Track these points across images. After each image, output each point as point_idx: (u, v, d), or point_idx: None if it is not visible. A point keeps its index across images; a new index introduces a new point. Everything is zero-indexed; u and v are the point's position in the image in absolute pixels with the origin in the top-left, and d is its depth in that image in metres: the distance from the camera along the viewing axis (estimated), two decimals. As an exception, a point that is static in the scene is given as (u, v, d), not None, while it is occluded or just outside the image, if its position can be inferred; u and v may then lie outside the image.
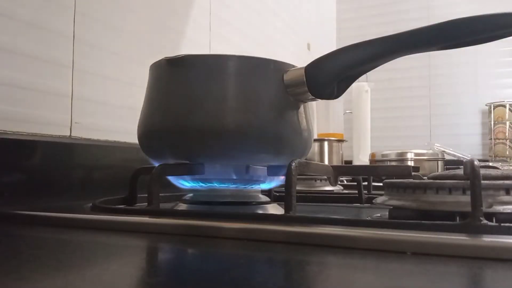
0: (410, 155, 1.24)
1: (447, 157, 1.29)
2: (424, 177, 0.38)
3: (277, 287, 0.20)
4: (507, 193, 0.31)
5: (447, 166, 1.26)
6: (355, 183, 0.60)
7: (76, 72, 0.62)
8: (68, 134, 0.60)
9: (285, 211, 0.35)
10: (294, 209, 0.35)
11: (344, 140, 1.26)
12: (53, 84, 0.58)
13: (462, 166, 0.33)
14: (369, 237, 0.27)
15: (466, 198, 0.31)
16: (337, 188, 0.76)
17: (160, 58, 0.44)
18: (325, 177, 0.56)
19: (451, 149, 1.33)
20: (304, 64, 0.42)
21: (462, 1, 1.73)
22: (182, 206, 0.44)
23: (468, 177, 0.30)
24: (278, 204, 0.46)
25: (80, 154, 0.60)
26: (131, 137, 0.59)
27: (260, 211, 0.43)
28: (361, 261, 0.25)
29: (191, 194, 0.46)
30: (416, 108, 1.77)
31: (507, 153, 1.53)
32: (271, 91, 0.42)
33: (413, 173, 0.47)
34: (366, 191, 0.61)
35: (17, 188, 0.50)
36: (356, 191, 0.58)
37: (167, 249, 0.30)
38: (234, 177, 0.45)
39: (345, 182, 0.88)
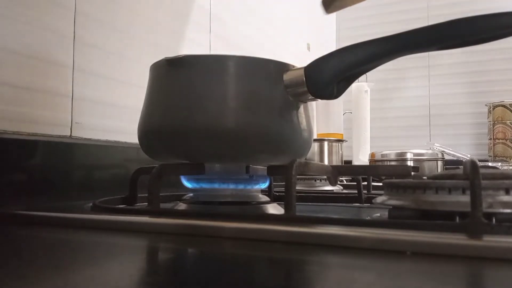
0: (409, 155, 1.24)
1: (446, 157, 1.29)
2: (424, 177, 0.38)
3: (277, 287, 0.20)
4: (507, 193, 0.31)
5: (447, 166, 1.26)
6: (355, 183, 0.60)
7: (76, 72, 0.62)
8: (68, 134, 0.60)
9: (285, 211, 0.35)
10: (294, 209, 0.35)
11: (344, 140, 1.26)
12: (53, 84, 0.58)
13: (461, 166, 0.33)
14: (369, 237, 0.27)
15: (466, 198, 0.31)
16: (337, 188, 0.76)
17: (160, 58, 0.44)
18: (325, 177, 0.56)
19: (450, 149, 1.33)
20: (304, 64, 0.42)
21: (462, 1, 1.72)
22: (182, 206, 0.44)
23: (468, 177, 0.30)
24: (278, 204, 0.47)
25: (80, 154, 0.60)
26: (131, 137, 0.59)
27: (260, 211, 0.43)
28: (361, 261, 0.25)
29: (191, 194, 0.46)
30: (415, 108, 1.77)
31: (507, 153, 1.53)
32: (271, 91, 0.42)
33: (412, 173, 0.47)
34: (365, 191, 0.61)
35: (17, 188, 0.50)
36: (356, 191, 0.59)
37: (167, 249, 0.30)
38: (234, 177, 0.45)
39: (345, 182, 0.88)
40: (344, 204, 0.58)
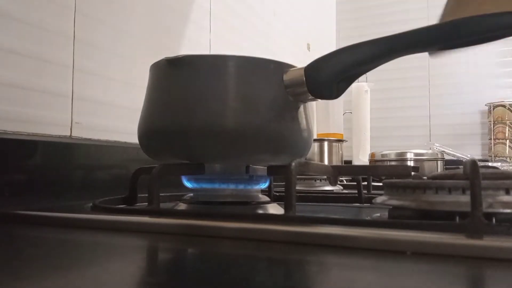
0: (409, 155, 1.24)
1: (446, 157, 1.29)
2: (424, 177, 0.38)
3: (277, 287, 0.20)
4: (507, 193, 0.31)
5: (447, 166, 1.26)
6: (355, 183, 0.60)
7: (76, 72, 0.62)
8: (68, 134, 0.60)
9: (285, 211, 0.35)
10: (294, 209, 0.35)
11: (344, 140, 1.26)
12: (53, 84, 0.58)
13: (461, 166, 0.33)
14: (369, 237, 0.27)
15: (466, 198, 0.31)
16: (337, 188, 0.76)
17: (160, 58, 0.44)
18: (325, 177, 0.56)
19: (450, 149, 1.33)
20: (304, 64, 0.42)
21: (462, 1, 1.72)
22: (182, 206, 0.44)
23: (468, 177, 0.30)
24: (278, 204, 0.46)
25: (80, 154, 0.60)
26: (131, 137, 0.59)
27: (260, 211, 0.43)
28: (361, 261, 0.25)
29: (191, 194, 0.46)
30: (416, 108, 1.77)
31: (507, 153, 1.53)
32: (270, 91, 0.42)
33: (412, 173, 0.47)
34: (365, 191, 0.61)
35: (17, 188, 0.50)
36: (356, 191, 0.58)
37: (167, 249, 0.30)
38: (234, 177, 0.45)
39: (345, 182, 0.88)
40: (344, 204, 0.58)
